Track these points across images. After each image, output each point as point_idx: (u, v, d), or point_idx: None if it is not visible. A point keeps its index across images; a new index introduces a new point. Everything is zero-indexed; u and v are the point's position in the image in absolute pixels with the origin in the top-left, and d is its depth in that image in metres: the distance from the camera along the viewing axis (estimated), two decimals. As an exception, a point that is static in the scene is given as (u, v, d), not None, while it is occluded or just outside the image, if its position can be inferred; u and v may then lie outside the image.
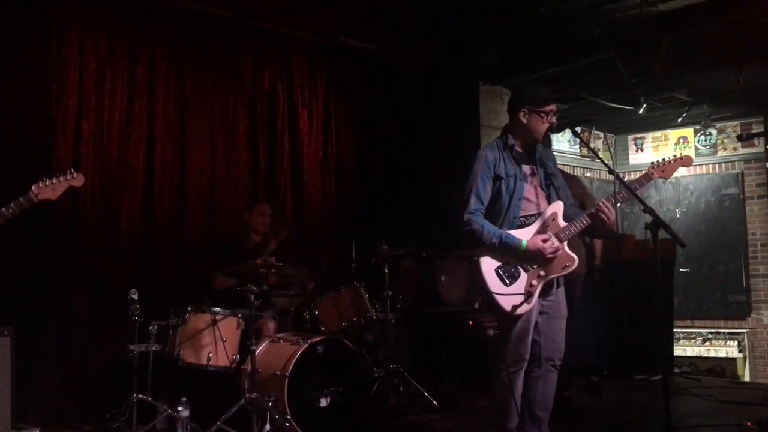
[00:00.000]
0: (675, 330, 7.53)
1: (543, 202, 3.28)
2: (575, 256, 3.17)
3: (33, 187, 3.15)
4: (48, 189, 3.19)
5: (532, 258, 3.13)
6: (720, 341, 8.20)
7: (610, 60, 6.24)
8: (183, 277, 5.18)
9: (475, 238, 3.17)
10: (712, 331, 8.31)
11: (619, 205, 3.38)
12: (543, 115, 3.24)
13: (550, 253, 3.11)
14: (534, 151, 3.36)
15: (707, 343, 8.23)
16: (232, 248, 4.98)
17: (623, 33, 6.17)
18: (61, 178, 3.24)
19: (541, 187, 3.32)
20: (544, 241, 3.12)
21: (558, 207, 3.24)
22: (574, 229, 3.17)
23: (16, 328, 3.77)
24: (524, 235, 3.17)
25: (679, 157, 3.24)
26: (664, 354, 6.07)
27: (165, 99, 5.23)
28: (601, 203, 3.12)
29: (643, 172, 3.23)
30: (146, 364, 3.99)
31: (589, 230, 3.23)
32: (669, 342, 6.63)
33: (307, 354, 4.19)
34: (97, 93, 4.87)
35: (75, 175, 3.32)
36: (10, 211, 3.07)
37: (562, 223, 3.19)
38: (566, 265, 3.16)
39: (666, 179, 3.22)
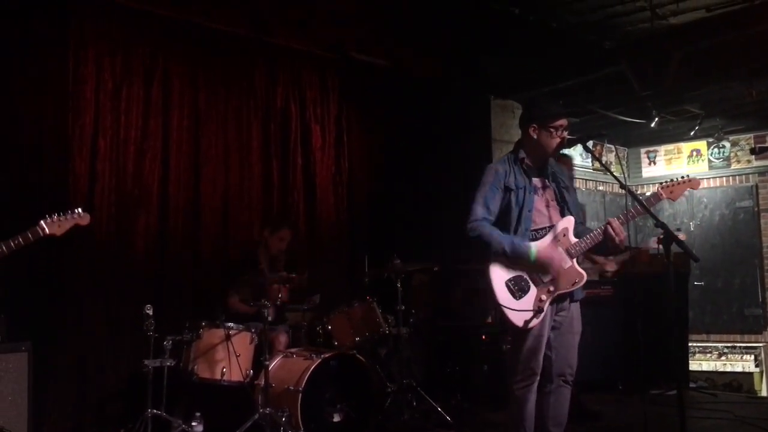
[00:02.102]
0: (690, 344, 7.47)
1: (555, 215, 3.26)
2: (584, 272, 3.18)
3: (41, 222, 3.25)
4: (54, 225, 3.29)
5: (542, 268, 3.12)
6: (736, 355, 8.12)
7: (621, 73, 6.25)
8: (197, 292, 5.21)
9: (484, 244, 3.15)
10: (728, 345, 8.23)
11: (630, 221, 3.36)
12: (553, 130, 3.23)
13: (559, 264, 3.11)
14: (545, 165, 3.35)
15: (723, 358, 8.15)
16: (244, 263, 5.02)
17: (634, 46, 6.19)
18: (69, 216, 3.35)
19: (554, 201, 3.29)
20: (553, 251, 3.11)
21: (569, 222, 3.22)
22: (584, 245, 3.17)
23: (33, 342, 3.81)
24: (534, 245, 3.15)
25: (687, 179, 3.25)
26: (679, 368, 6.02)
27: (179, 115, 5.29)
28: (610, 221, 3.12)
29: (652, 192, 3.25)
30: (161, 379, 4.01)
31: (598, 247, 3.22)
32: (684, 356, 6.57)
33: (320, 369, 4.20)
34: (113, 111, 4.94)
35: (82, 215, 3.41)
36: (17, 242, 3.15)
37: (572, 238, 3.19)
38: (575, 281, 3.16)
39: (673, 200, 3.24)
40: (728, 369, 8.02)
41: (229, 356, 4.26)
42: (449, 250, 6.37)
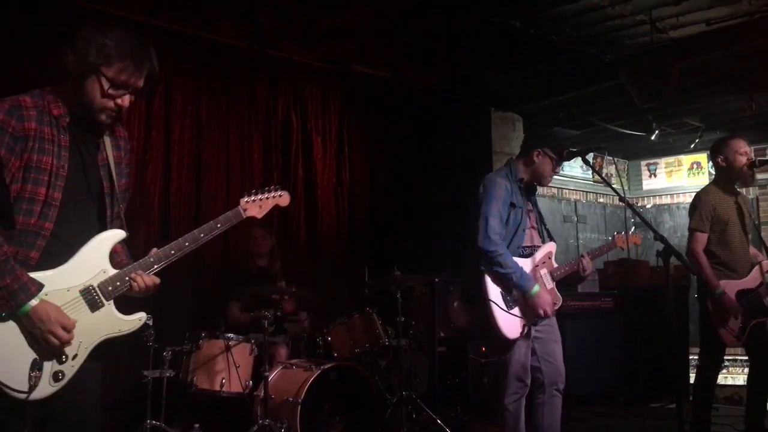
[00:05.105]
0: (691, 357, 7.44)
1: (536, 237, 3.46)
2: (560, 297, 3.41)
3: (241, 202, 2.62)
4: (255, 206, 2.66)
5: (531, 303, 3.25)
6: (737, 368, 8.07)
7: (621, 86, 6.28)
8: (197, 303, 5.21)
9: (493, 262, 3.22)
10: (730, 358, 8.18)
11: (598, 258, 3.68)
12: (555, 162, 3.39)
13: (545, 311, 3.24)
14: (531, 190, 3.52)
15: (725, 371, 8.10)
16: (237, 276, 5.03)
17: (634, 59, 6.23)
18: (268, 195, 2.70)
19: (536, 224, 3.50)
20: (548, 296, 3.28)
21: (553, 247, 3.46)
22: (563, 272, 3.42)
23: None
24: (527, 266, 3.32)
25: (637, 235, 3.81)
26: (680, 381, 6.01)
27: (181, 127, 5.31)
28: (583, 256, 3.44)
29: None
30: (160, 390, 4.00)
31: (572, 275, 3.47)
32: (685, 369, 6.55)
33: (319, 380, 4.19)
34: (114, 122, 4.95)
35: (281, 194, 2.75)
36: (219, 226, 2.48)
37: (555, 263, 3.43)
38: (555, 303, 3.36)
39: (623, 249, 3.70)
40: (729, 382, 7.97)
41: (228, 367, 4.25)
42: (450, 262, 6.39)
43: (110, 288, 2.17)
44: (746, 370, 8.06)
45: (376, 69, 6.26)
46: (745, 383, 4.47)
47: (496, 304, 3.18)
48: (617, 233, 3.69)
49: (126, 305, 2.25)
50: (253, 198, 2.63)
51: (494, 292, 3.22)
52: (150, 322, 3.96)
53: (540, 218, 3.55)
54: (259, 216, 2.66)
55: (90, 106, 2.14)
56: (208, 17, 5.22)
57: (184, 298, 5.18)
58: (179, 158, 5.29)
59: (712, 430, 4.89)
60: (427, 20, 6.07)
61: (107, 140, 2.31)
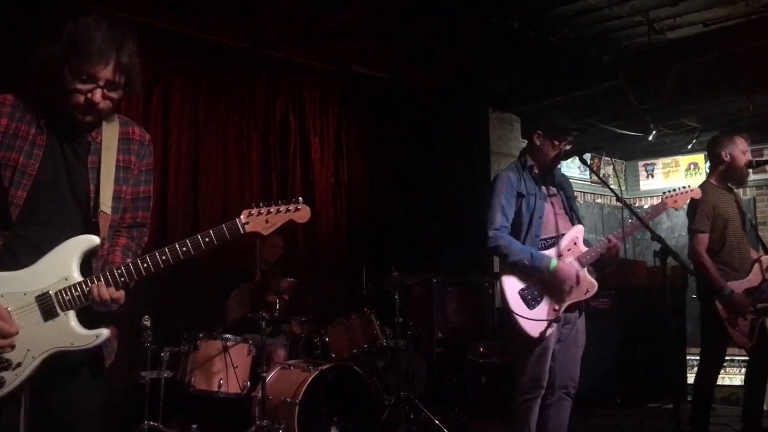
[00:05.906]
0: (688, 357, 7.46)
1: (562, 223, 3.29)
2: (595, 282, 3.20)
3: (242, 215, 2.26)
4: (260, 220, 2.29)
5: (555, 282, 3.12)
6: (735, 369, 8.08)
7: (619, 87, 6.29)
8: (195, 304, 5.20)
9: (501, 254, 3.16)
10: (728, 358, 8.17)
11: (628, 237, 3.44)
12: (556, 141, 3.28)
13: (572, 284, 3.12)
14: (551, 173, 3.39)
15: (721, 371, 8.11)
16: (238, 274, 5.03)
17: (632, 60, 6.24)
18: (281, 209, 2.32)
19: (562, 209, 3.34)
20: (572, 270, 3.13)
21: (580, 231, 3.26)
22: (593, 255, 3.20)
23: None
24: (552, 254, 3.17)
25: (689, 189, 3.39)
26: (677, 382, 6.01)
27: (179, 128, 5.31)
28: (611, 236, 3.19)
29: (657, 202, 3.36)
30: (158, 391, 4.00)
31: (601, 259, 3.25)
32: (682, 369, 6.56)
33: (317, 381, 4.19)
34: (112, 123, 4.94)
35: (298, 207, 2.32)
36: (206, 240, 2.18)
37: (583, 247, 3.22)
38: (587, 290, 3.19)
39: (677, 209, 3.35)
40: (726, 383, 7.98)
41: (226, 368, 4.25)
42: (448, 262, 6.39)
43: (68, 298, 1.97)
44: (743, 370, 8.08)
45: (376, 69, 6.26)
46: (743, 383, 4.47)
47: (515, 313, 3.08)
48: (665, 194, 3.36)
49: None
50: (258, 210, 2.27)
51: (513, 295, 3.12)
52: (148, 323, 4.00)
53: (569, 203, 3.37)
54: (266, 233, 2.30)
55: (61, 101, 2.00)
56: (208, 18, 5.21)
57: (181, 298, 5.18)
58: (176, 159, 5.29)
59: (711, 431, 4.91)
60: (427, 20, 6.07)
61: (109, 142, 2.14)
